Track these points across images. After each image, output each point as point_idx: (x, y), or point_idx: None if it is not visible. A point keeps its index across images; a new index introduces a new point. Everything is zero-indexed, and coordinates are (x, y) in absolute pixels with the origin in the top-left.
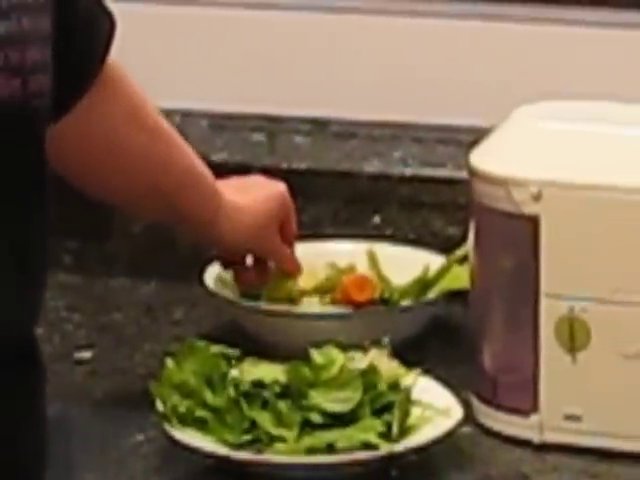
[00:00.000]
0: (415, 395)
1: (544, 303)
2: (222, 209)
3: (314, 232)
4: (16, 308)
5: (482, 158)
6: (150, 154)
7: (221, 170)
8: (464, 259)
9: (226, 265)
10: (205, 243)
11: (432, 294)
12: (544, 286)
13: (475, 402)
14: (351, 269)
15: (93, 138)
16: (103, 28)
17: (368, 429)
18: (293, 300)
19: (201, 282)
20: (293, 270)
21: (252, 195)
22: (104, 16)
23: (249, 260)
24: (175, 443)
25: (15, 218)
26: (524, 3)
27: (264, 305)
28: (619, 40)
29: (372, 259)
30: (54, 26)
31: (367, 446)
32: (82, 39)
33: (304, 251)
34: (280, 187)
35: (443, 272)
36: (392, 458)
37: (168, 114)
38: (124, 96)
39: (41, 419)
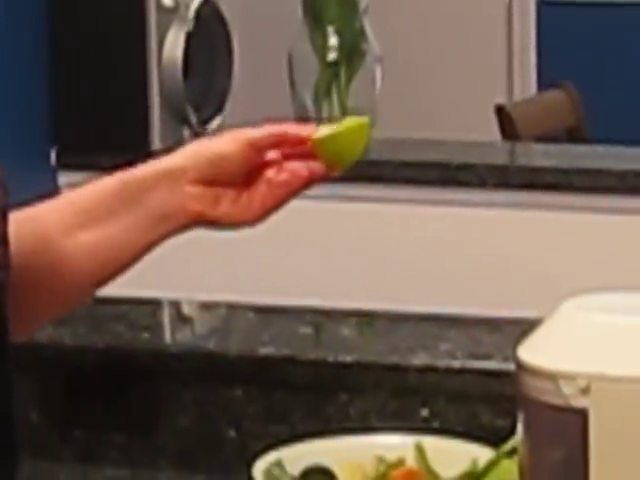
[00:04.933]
0: None
1: None
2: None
3: (362, 426)
4: None
5: (530, 352)
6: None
7: (267, 364)
8: (513, 452)
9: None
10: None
11: None
12: None
13: None
14: (400, 463)
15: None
16: None
17: None
18: None
19: (249, 477)
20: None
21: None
22: None
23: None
24: None
25: None
26: (569, 192)
27: None
28: None
29: (420, 452)
30: None
31: None
32: None
33: (352, 445)
34: None
35: (492, 465)
36: None
37: (214, 306)
38: None
39: None
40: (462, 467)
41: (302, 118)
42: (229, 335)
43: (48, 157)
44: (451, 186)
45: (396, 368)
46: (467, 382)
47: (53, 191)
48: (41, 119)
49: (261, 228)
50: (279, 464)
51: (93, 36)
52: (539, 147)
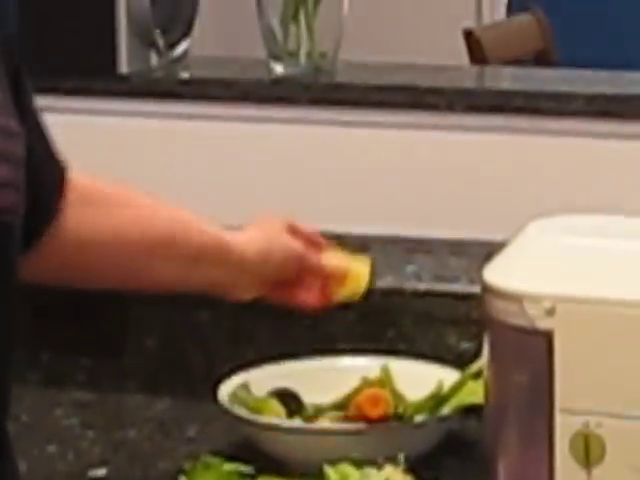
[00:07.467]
0: None
1: (559, 418)
2: (226, 238)
3: (328, 347)
4: None
5: (495, 273)
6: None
7: None
8: (478, 374)
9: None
10: (233, 282)
11: (446, 409)
12: (559, 401)
13: None
14: (365, 385)
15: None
16: (56, 176)
17: None
18: (307, 417)
19: (215, 399)
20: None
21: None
22: (56, 165)
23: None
24: None
25: None
26: (537, 115)
27: (278, 422)
28: (631, 152)
29: (386, 374)
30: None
31: None
32: (39, 184)
33: (318, 367)
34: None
35: (457, 387)
36: None
37: None
38: (97, 211)
39: None
40: (428, 389)
41: (269, 40)
42: None
43: None
44: (419, 109)
45: None
46: (433, 305)
47: None
48: None
49: (227, 151)
50: (245, 387)
51: None
52: (507, 71)
